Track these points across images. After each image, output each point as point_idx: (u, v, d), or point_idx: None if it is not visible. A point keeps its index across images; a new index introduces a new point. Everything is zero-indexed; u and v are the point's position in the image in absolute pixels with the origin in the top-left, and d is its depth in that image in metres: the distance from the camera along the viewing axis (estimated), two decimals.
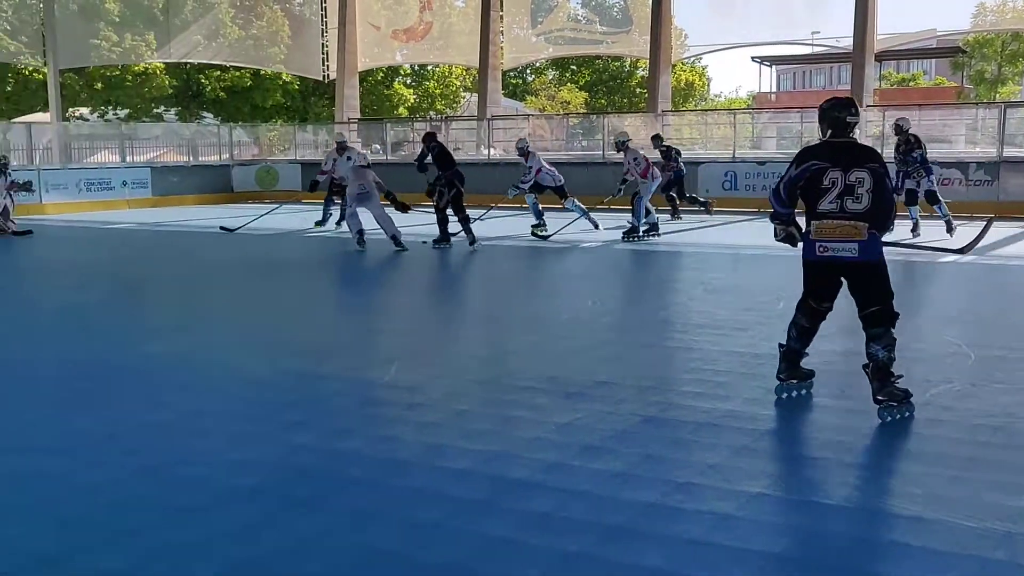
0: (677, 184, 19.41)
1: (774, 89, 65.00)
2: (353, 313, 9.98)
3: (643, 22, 30.40)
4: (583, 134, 29.44)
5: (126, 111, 39.60)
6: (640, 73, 47.97)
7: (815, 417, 5.81)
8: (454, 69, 44.23)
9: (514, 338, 8.36)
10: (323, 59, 34.92)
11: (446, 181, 14.78)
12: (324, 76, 35.52)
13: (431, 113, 41.80)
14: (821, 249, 5.66)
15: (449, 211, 14.78)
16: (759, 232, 16.85)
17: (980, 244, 6.67)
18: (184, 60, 35.02)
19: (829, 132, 5.74)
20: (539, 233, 16.10)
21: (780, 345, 6.15)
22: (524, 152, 16.71)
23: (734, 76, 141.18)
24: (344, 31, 32.38)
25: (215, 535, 4.09)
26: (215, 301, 10.68)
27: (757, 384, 6.40)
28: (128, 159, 27.19)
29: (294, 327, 8.99)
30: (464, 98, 45.49)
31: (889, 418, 5.52)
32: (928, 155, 15.11)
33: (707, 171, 22.34)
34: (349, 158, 15.08)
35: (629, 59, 45.86)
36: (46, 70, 28.36)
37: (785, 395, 6.04)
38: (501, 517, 4.23)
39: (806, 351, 6.09)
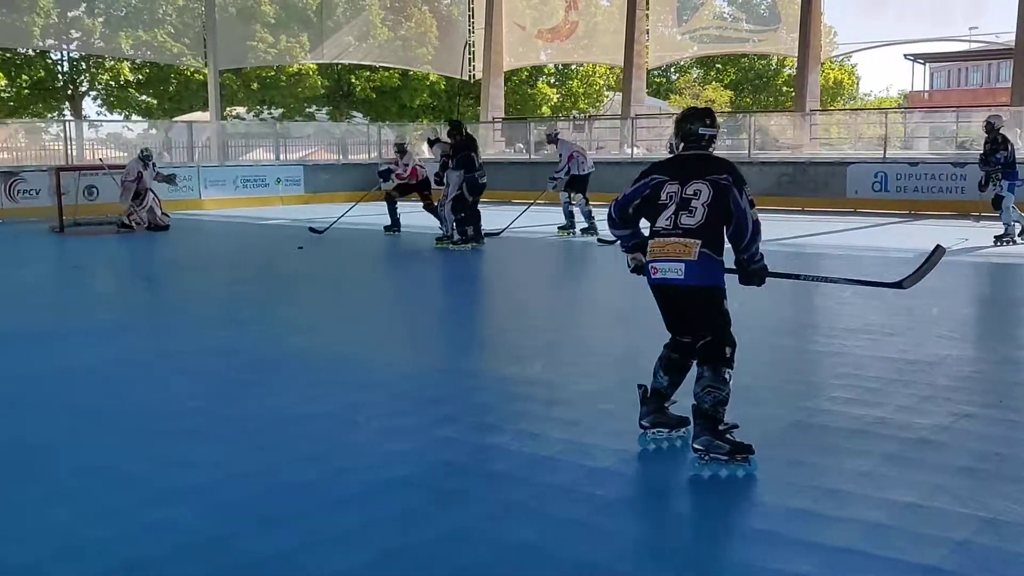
0: None
1: (927, 87, 62.84)
2: (486, 309, 10.09)
3: (791, 20, 29.80)
4: (727, 133, 29.03)
5: (280, 110, 40.90)
6: (787, 71, 47.01)
7: (971, 427, 5.62)
8: (598, 68, 44.19)
9: (653, 339, 8.31)
10: (469, 59, 35.37)
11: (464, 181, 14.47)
12: (470, 76, 35.98)
13: (574, 112, 41.84)
14: (653, 271, 4.94)
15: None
16: (909, 235, 16.39)
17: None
18: (336, 61, 35.96)
19: (681, 145, 5.09)
20: (601, 238, 14.96)
21: (640, 387, 5.26)
22: (553, 139, 16.80)
23: (885, 74, 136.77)
24: (490, 31, 32.73)
25: (368, 524, 4.22)
26: (358, 296, 10.95)
27: (910, 391, 6.24)
28: (281, 157, 28.09)
29: (434, 322, 9.16)
30: (607, 97, 45.40)
31: (707, 473, 4.66)
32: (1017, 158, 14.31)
33: (856, 172, 21.77)
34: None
35: (776, 57, 45.00)
36: (206, 71, 29.51)
37: (653, 447, 5.14)
38: (643, 518, 4.25)
39: (673, 394, 5.22)
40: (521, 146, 28.82)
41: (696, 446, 4.75)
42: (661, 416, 5.20)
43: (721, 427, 4.75)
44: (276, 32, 33.15)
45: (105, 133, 30.19)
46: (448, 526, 4.17)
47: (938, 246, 5.35)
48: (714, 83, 50.90)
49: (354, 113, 42.60)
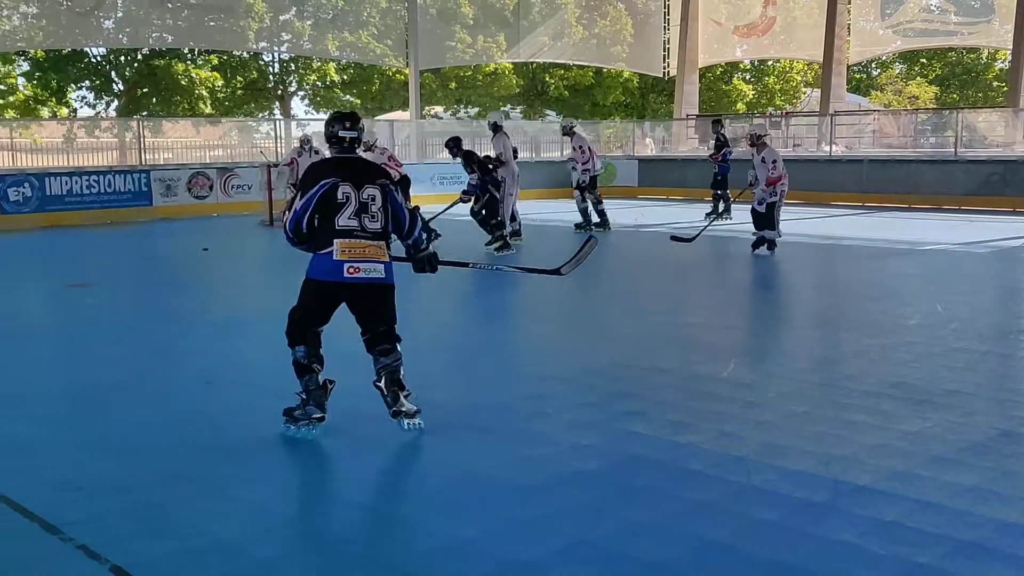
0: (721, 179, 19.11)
1: None
2: (673, 305, 9.94)
3: (1005, 10, 28.28)
4: (932, 130, 27.78)
5: (476, 109, 41.65)
6: (999, 65, 44.57)
7: None
8: (795, 64, 43.04)
9: (853, 341, 8.07)
10: (664, 56, 35.11)
11: (489, 183, 14.26)
12: (664, 73, 35.72)
13: (770, 109, 40.90)
14: (352, 270, 5.16)
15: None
16: None
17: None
18: (531, 60, 36.34)
19: (334, 149, 5.40)
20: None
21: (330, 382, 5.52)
22: (569, 131, 17.20)
23: None
24: (686, 27, 32.40)
25: (555, 514, 4.26)
26: (552, 292, 11.01)
27: None
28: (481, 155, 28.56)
29: (624, 318, 9.13)
30: (805, 94, 44.16)
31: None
32: None
33: None
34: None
35: (987, 50, 42.76)
36: (407, 71, 30.33)
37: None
38: (843, 521, 4.12)
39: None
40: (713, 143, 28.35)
41: (396, 409, 5.36)
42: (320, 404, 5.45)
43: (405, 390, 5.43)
44: (474, 32, 33.75)
45: (312, 131, 31.48)
46: (637, 521, 4.15)
47: (591, 237, 6.53)
48: (918, 78, 48.75)
49: (548, 111, 42.94)
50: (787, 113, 35.56)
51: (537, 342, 8.12)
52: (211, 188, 21.37)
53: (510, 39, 33.70)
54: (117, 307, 10.44)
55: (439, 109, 42.32)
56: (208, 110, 34.53)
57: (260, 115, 37.06)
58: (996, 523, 4.10)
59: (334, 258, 5.19)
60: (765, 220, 13.24)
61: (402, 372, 5.43)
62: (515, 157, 15.52)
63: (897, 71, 50.68)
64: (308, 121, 35.80)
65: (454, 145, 14.65)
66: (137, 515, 4.31)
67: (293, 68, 38.70)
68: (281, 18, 32.08)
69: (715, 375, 6.72)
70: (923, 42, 34.87)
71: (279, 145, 22.99)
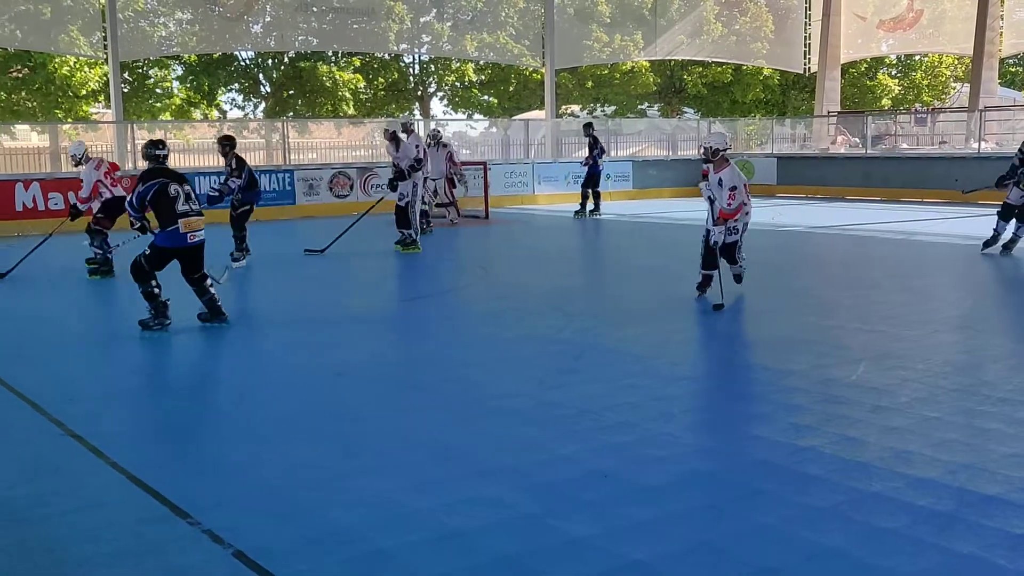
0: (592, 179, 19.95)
1: None
2: (821, 309, 9.75)
3: None
4: None
5: (612, 108, 41.54)
6: None
7: None
8: (944, 58, 41.53)
9: (995, 345, 7.80)
10: (805, 52, 34.37)
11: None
12: (805, 69, 34.96)
13: (916, 105, 39.57)
14: (192, 237, 8.36)
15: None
16: None
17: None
18: (668, 57, 36.04)
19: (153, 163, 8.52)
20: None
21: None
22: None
23: None
24: (828, 23, 31.64)
25: (673, 515, 4.27)
26: (685, 291, 10.94)
27: None
28: (612, 153, 28.52)
29: (762, 321, 9.02)
30: (954, 89, 42.58)
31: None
32: None
33: None
34: None
35: None
36: (544, 70, 30.49)
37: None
38: (967, 533, 4.02)
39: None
40: (856, 140, 27.64)
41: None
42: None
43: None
44: (611, 31, 33.67)
45: (452, 132, 31.91)
46: (753, 525, 4.13)
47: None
48: None
49: (685, 109, 42.52)
50: (933, 109, 34.37)
51: (666, 342, 8.08)
52: (351, 187, 21.93)
53: (647, 37, 33.49)
54: (256, 301, 10.83)
55: (575, 108, 42.34)
56: (351, 111, 35.37)
57: (400, 115, 37.72)
58: None
59: (180, 231, 8.23)
60: (709, 258, 9.77)
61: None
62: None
63: None
64: (446, 121, 36.35)
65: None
66: (263, 502, 4.52)
67: (432, 69, 39.31)
68: (421, 20, 32.62)
69: (844, 378, 6.60)
70: None
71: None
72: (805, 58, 34.49)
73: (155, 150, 8.57)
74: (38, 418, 6.00)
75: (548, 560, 3.87)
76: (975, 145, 24.49)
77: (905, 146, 26.98)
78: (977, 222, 17.15)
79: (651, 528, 4.14)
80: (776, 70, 38.43)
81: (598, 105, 41.73)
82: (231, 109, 38.08)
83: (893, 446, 5.13)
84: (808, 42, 34.18)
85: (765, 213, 19.47)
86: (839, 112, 31.55)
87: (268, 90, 36.89)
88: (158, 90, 34.05)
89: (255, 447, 5.39)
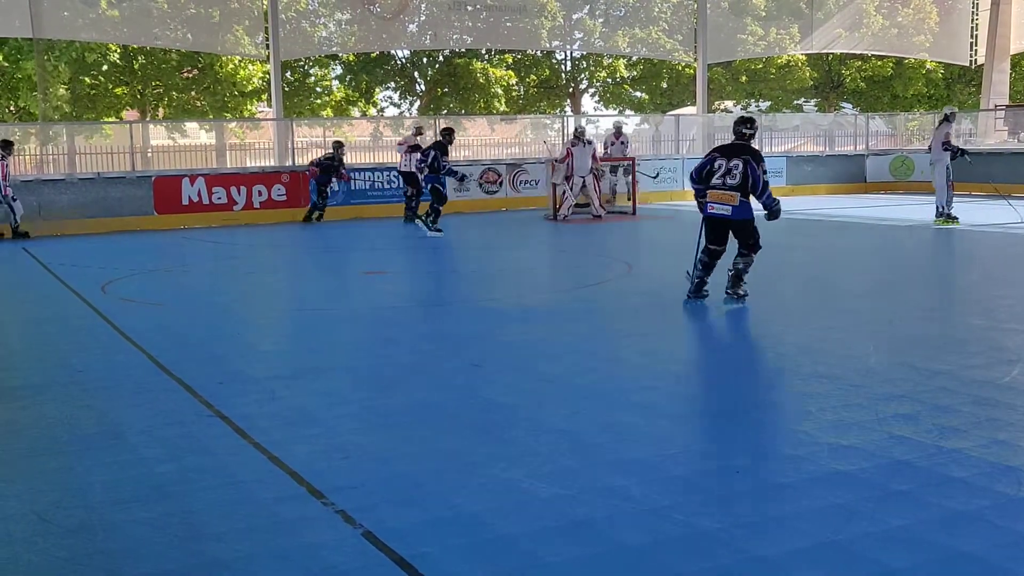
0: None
1: None
2: (976, 309, 9.34)
3: None
4: None
5: (768, 103, 40.75)
6: None
7: None
8: None
9: None
10: (971, 43, 32.92)
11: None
12: (971, 61, 33.49)
13: None
14: (710, 208, 9.09)
15: None
16: None
17: None
18: (825, 51, 35.12)
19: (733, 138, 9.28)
20: None
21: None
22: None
23: None
24: (996, 11, 30.23)
25: (805, 513, 4.16)
26: (834, 288, 10.65)
27: None
28: (767, 149, 28.01)
29: (910, 318, 8.71)
30: None
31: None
32: None
33: None
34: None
35: None
36: (696, 65, 30.15)
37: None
38: None
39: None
40: (1022, 134, 26.34)
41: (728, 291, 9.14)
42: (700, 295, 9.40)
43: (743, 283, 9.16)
44: (766, 24, 33.03)
45: (603, 129, 31.88)
46: (887, 527, 3.98)
47: None
48: None
49: (843, 104, 41.34)
50: None
51: (803, 336, 7.89)
52: (500, 183, 22.15)
53: (803, 30, 32.69)
54: (405, 294, 11.07)
55: (729, 103, 41.70)
56: (503, 108, 35.74)
57: (552, 113, 37.90)
58: None
59: (706, 201, 9.12)
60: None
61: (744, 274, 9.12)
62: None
63: None
64: (597, 118, 36.34)
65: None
66: (393, 485, 4.61)
67: (584, 66, 39.32)
68: (573, 17, 32.70)
69: (996, 380, 6.30)
70: None
71: (563, 141, 23.45)
72: (971, 50, 33.02)
73: (743, 128, 9.21)
74: (189, 399, 6.27)
75: (672, 552, 3.83)
76: None
77: None
78: None
79: (780, 525, 4.05)
80: (940, 63, 36.95)
81: (753, 100, 40.97)
82: (388, 107, 39.00)
83: None
84: (975, 33, 32.71)
85: (922, 212, 18.80)
86: (1008, 106, 30.11)
87: (423, 88, 37.58)
88: (318, 88, 35.12)
89: (389, 433, 5.51)
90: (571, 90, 40.25)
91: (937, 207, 16.82)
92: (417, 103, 38.01)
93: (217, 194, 19.61)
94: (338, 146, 19.86)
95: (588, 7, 32.68)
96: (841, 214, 19.56)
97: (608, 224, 18.39)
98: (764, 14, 32.75)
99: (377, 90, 37.20)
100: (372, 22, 27.84)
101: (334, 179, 19.67)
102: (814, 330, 8.24)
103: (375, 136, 32.03)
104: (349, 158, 25.49)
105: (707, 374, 6.79)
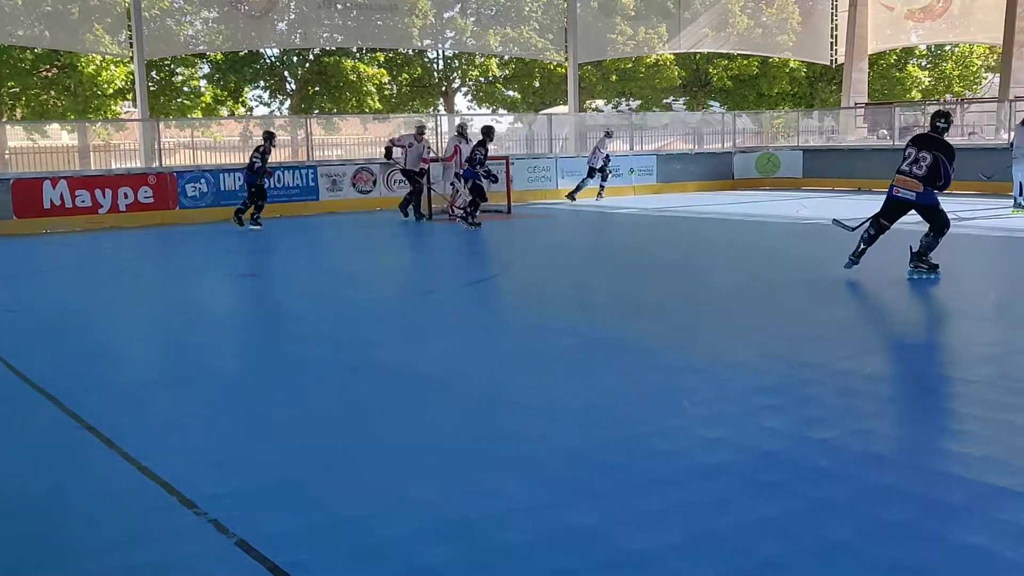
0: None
1: None
2: (841, 301, 9.67)
3: None
4: None
5: (638, 102, 41.39)
6: None
7: None
8: (975, 48, 41.08)
9: (1020, 337, 7.69)
10: (832, 44, 34.09)
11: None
12: (832, 61, 34.68)
13: (946, 96, 39.19)
14: (896, 192, 10.00)
15: None
16: None
17: None
18: (693, 50, 35.87)
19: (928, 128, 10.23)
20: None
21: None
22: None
23: None
24: (855, 13, 31.35)
25: (679, 507, 4.23)
26: (705, 283, 10.88)
27: None
28: (636, 147, 28.44)
29: (781, 312, 8.94)
30: (986, 79, 42.09)
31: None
32: None
33: None
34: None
35: None
36: (567, 64, 30.43)
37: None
38: (977, 524, 3.95)
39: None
40: (884, 132, 27.38)
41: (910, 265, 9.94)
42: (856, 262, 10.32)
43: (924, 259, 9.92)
44: (635, 24, 33.54)
45: (478, 128, 31.90)
46: (758, 518, 4.07)
47: None
48: None
49: (711, 102, 42.30)
50: (962, 100, 34.00)
51: (677, 332, 8.04)
52: (374, 183, 21.98)
53: (671, 30, 33.33)
54: (279, 296, 10.87)
55: (600, 103, 42.23)
56: (377, 106, 35.46)
57: (424, 112, 37.77)
58: None
59: (893, 186, 10.03)
60: None
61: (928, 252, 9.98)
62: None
63: None
64: (471, 116, 36.37)
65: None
66: (270, 492, 4.53)
67: (456, 64, 39.31)
68: (445, 15, 32.64)
69: (859, 370, 6.52)
70: None
71: (440, 141, 23.40)
72: (832, 50, 34.21)
73: (938, 121, 9.99)
74: (53, 409, 6.04)
75: (549, 549, 3.84)
76: (1005, 136, 24.18)
77: None
78: (997, 213, 17.00)
79: (656, 519, 4.10)
80: (803, 62, 38.14)
81: (623, 99, 41.58)
82: (257, 106, 38.30)
83: (906, 438, 5.07)
84: (835, 33, 33.89)
85: (788, 207, 19.42)
86: (867, 104, 31.25)
87: (293, 87, 37.03)
88: (185, 88, 34.27)
89: (265, 439, 5.40)
90: (444, 89, 40.19)
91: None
92: (288, 102, 37.44)
93: (81, 197, 18.96)
94: (268, 137, 18.76)
95: (459, 6, 32.67)
96: (715, 211, 20.01)
97: (484, 223, 18.41)
98: (633, 14, 33.27)
99: (246, 89, 36.49)
100: (240, 20, 27.31)
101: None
102: (684, 325, 8.39)
103: (245, 136, 31.40)
104: (217, 159, 25.05)
105: (583, 370, 6.85)
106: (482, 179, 17.48)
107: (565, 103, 32.78)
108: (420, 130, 19.53)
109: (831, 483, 4.46)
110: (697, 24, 33.02)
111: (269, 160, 18.41)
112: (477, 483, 4.57)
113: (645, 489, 4.46)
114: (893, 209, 10.11)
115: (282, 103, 37.84)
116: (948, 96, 38.98)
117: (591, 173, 22.96)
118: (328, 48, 33.53)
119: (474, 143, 17.90)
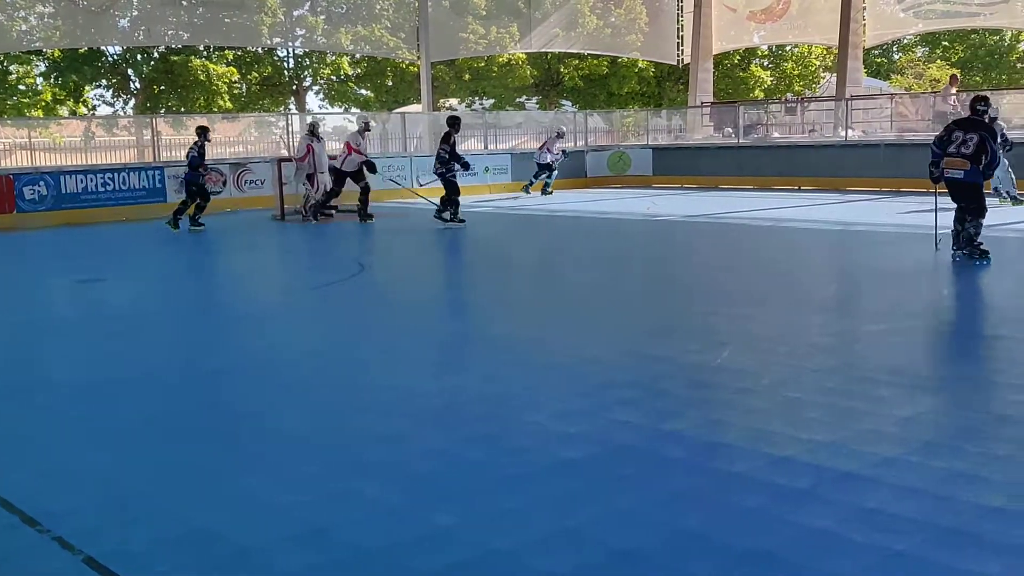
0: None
1: None
2: (692, 295, 9.90)
3: None
4: (951, 113, 27.45)
5: (491, 101, 41.60)
6: (1022, 47, 44.07)
7: None
8: (814, 49, 42.73)
9: (858, 326, 8.02)
10: (678, 44, 34.93)
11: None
12: (679, 61, 35.53)
13: (788, 95, 40.63)
14: (946, 172, 10.63)
15: None
16: None
17: None
18: (544, 50, 36.25)
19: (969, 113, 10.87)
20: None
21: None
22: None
23: None
24: (699, 14, 32.19)
25: (536, 503, 4.25)
26: (562, 280, 11.00)
27: None
28: (491, 147, 28.53)
29: (634, 308, 9.10)
30: (824, 79, 43.84)
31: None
32: None
33: None
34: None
35: (1010, 32, 42.27)
36: (420, 63, 30.36)
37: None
38: (823, 509, 4.08)
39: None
40: (730, 130, 28.21)
41: (963, 252, 10.66)
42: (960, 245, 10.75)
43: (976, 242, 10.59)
44: (487, 23, 33.71)
45: (331, 127, 31.47)
46: (615, 510, 4.13)
47: None
48: (939, 61, 48.28)
49: (563, 101, 42.84)
50: (803, 99, 35.31)
51: (534, 329, 8.09)
52: (224, 184, 21.45)
53: (523, 29, 33.62)
54: (126, 301, 10.49)
55: (454, 101, 42.28)
56: (228, 105, 34.66)
57: (276, 111, 37.13)
58: (979, 509, 4.05)
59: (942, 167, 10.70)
60: None
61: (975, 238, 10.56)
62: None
63: (919, 54, 50.19)
64: (324, 115, 35.91)
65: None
66: (119, 505, 4.37)
67: (307, 63, 38.78)
68: (295, 13, 32.17)
69: (709, 363, 6.68)
70: (943, 24, 34.38)
71: (291, 140, 23.02)
72: (678, 50, 35.05)
73: (978, 105, 10.83)
74: None
75: (409, 551, 3.81)
76: (843, 133, 25.23)
77: (776, 135, 27.62)
78: (846, 208, 17.72)
79: (514, 516, 4.12)
80: (651, 62, 38.98)
81: (476, 98, 41.73)
82: (101, 106, 36.99)
83: (755, 427, 5.20)
84: (681, 34, 34.74)
85: (640, 204, 19.81)
86: (712, 103, 32.14)
87: (138, 86, 35.88)
88: (21, 87, 32.82)
89: (113, 450, 5.19)
90: (295, 88, 39.58)
91: None
92: (132, 101, 36.25)
93: None
94: (202, 131, 17.86)
95: (309, 4, 32.25)
96: (569, 209, 20.24)
97: (340, 224, 18.19)
98: (484, 13, 33.43)
99: (87, 88, 35.17)
100: (79, 16, 26.31)
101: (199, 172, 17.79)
102: (541, 323, 8.46)
103: (87, 137, 30.22)
104: (58, 160, 24.00)
105: (443, 369, 6.84)
106: (455, 174, 16.75)
107: (419, 102, 32.68)
108: (364, 127, 18.84)
109: (684, 473, 4.56)
110: (548, 24, 33.39)
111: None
112: (336, 487, 4.51)
113: (504, 486, 4.47)
114: (951, 191, 10.80)
115: (126, 102, 36.62)
116: (789, 95, 40.41)
117: (542, 169, 23.82)
118: (174, 46, 32.60)
119: (440, 139, 17.16)
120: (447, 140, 16.76)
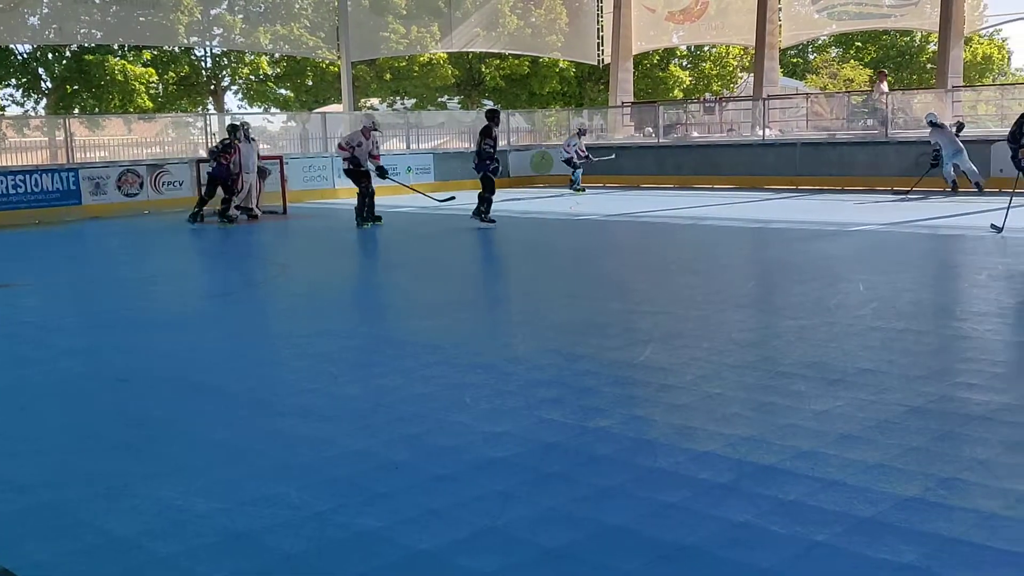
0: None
1: None
2: (615, 294, 9.99)
3: None
4: (867, 113, 28.10)
5: (412, 100, 41.47)
6: (931, 48, 45.17)
7: None
8: (731, 49, 43.38)
9: (776, 322, 8.17)
10: (598, 44, 35.18)
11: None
12: (599, 61, 35.79)
13: (707, 95, 41.18)
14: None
15: None
16: None
17: None
18: (465, 49, 36.24)
19: None
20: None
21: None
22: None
23: None
24: (619, 14, 32.46)
25: (464, 503, 4.25)
26: (487, 281, 11.02)
27: None
28: (413, 146, 28.45)
29: (559, 306, 9.15)
30: (741, 78, 44.52)
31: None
32: None
33: (1000, 149, 20.77)
34: None
35: (920, 33, 43.35)
36: (340, 63, 30.14)
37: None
38: (745, 502, 4.15)
39: None
40: (650, 130, 28.52)
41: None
42: None
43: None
44: (407, 23, 33.59)
45: (253, 126, 31.07)
46: (542, 509, 4.15)
47: None
48: (852, 61, 49.34)
49: (485, 101, 42.84)
50: (722, 99, 35.82)
51: (460, 330, 8.10)
52: (141, 185, 21.08)
53: (443, 29, 33.58)
54: (37, 308, 10.25)
55: (375, 101, 42.07)
56: (148, 104, 34.03)
57: (194, 111, 36.55)
58: (895, 499, 4.15)
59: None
60: None
61: None
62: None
63: (833, 54, 51.21)
64: (241, 115, 35.42)
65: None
66: (34, 516, 4.25)
67: (225, 63, 38.25)
68: (212, 12, 31.70)
69: (632, 360, 6.75)
70: (855, 25, 35.15)
71: (210, 141, 22.68)
72: (599, 50, 35.30)
73: None
74: None
75: (334, 555, 3.78)
76: (760, 132, 25.66)
77: (696, 134, 27.99)
78: (764, 206, 18.05)
79: (441, 517, 4.11)
80: (572, 62, 39.20)
81: (398, 98, 41.57)
82: (10, 105, 36.04)
83: (677, 423, 5.27)
84: (601, 34, 34.99)
85: (563, 203, 19.91)
86: (633, 103, 32.43)
87: (50, 85, 35.04)
88: None
89: (26, 460, 5.07)
90: (213, 87, 39.01)
91: None
92: (44, 101, 35.39)
93: None
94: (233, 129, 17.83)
95: (226, 3, 31.80)
96: (493, 209, 20.21)
97: (261, 224, 17.99)
98: (405, 12, 33.31)
99: None
100: None
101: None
102: (465, 323, 8.47)
103: None
104: None
105: (364, 371, 6.79)
106: (492, 172, 16.12)
107: (339, 101, 32.44)
108: (371, 126, 17.61)
109: (610, 470, 4.60)
110: (469, 23, 33.39)
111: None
112: (258, 492, 4.45)
113: (429, 487, 4.46)
114: None
115: (37, 102, 35.75)
116: (708, 95, 40.93)
117: (570, 165, 24.34)
118: (87, 45, 31.89)
119: (479, 133, 16.46)
120: (488, 134, 15.96)
